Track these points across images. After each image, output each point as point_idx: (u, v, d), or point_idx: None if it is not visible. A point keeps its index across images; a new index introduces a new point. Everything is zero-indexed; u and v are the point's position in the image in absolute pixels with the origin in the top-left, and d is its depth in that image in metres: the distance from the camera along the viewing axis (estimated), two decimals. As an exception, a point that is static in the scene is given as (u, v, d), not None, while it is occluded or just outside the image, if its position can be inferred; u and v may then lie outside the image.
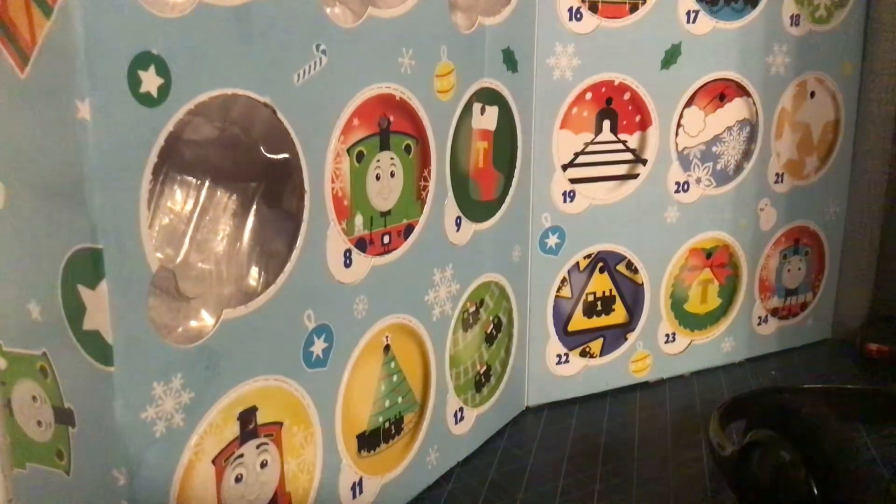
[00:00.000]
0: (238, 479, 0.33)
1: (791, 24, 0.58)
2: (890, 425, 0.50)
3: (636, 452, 0.49)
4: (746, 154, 0.59)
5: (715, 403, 0.48)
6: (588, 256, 0.55)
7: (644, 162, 0.55)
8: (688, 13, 0.54)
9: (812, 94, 0.61)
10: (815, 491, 0.35)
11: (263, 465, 0.35)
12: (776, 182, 0.61)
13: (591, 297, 0.56)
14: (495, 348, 0.51)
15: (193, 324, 0.32)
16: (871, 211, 0.65)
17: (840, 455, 0.35)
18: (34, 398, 0.31)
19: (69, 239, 0.27)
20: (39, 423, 0.32)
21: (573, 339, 0.56)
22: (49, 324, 0.29)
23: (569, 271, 0.55)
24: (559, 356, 0.56)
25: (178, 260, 0.33)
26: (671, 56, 0.54)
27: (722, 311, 0.62)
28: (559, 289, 0.55)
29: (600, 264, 0.56)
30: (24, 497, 0.34)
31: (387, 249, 0.40)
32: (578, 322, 0.56)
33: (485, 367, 0.50)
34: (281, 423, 0.35)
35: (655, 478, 0.46)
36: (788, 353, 0.65)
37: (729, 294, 0.62)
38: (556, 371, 0.56)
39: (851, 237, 0.66)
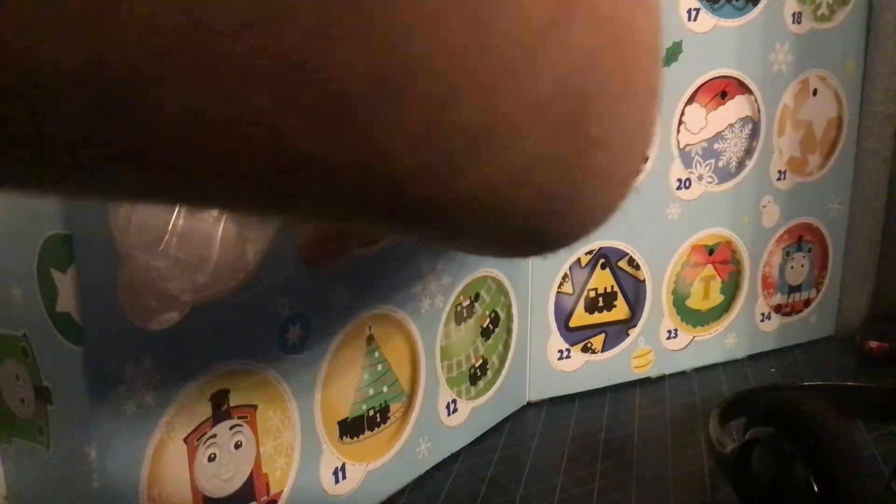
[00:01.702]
0: (211, 459, 0.34)
1: (793, 22, 0.58)
2: (889, 423, 0.51)
3: (636, 449, 0.49)
4: (748, 151, 0.59)
5: (715, 400, 0.48)
6: (589, 252, 0.55)
7: (646, 159, 0.55)
8: (689, 11, 0.54)
9: (815, 92, 0.61)
10: (816, 488, 0.35)
11: (238, 445, 0.35)
12: (779, 179, 0.61)
13: (592, 293, 0.57)
14: (492, 342, 0.51)
15: (166, 309, 0.33)
16: (874, 208, 0.65)
17: (840, 452, 0.35)
18: (17, 377, 0.33)
19: (44, 224, 0.29)
20: (22, 400, 0.33)
21: (575, 335, 0.56)
22: (28, 306, 0.30)
23: (570, 267, 0.55)
24: (561, 351, 0.56)
25: (160, 249, 0.34)
26: (672, 54, 0.54)
27: (724, 307, 0.62)
28: (560, 285, 0.55)
29: (602, 260, 0.56)
30: (12, 471, 0.35)
31: (369, 241, 0.40)
32: (580, 318, 0.57)
33: (480, 361, 0.50)
34: (255, 406, 0.36)
35: (655, 475, 0.46)
36: (790, 350, 0.65)
37: (731, 290, 0.62)
38: (557, 366, 0.56)
39: (854, 234, 0.66)
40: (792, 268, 0.65)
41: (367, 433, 0.43)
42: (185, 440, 0.33)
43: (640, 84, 0.15)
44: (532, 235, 0.17)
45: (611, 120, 0.15)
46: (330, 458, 0.40)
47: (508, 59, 0.12)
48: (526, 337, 0.54)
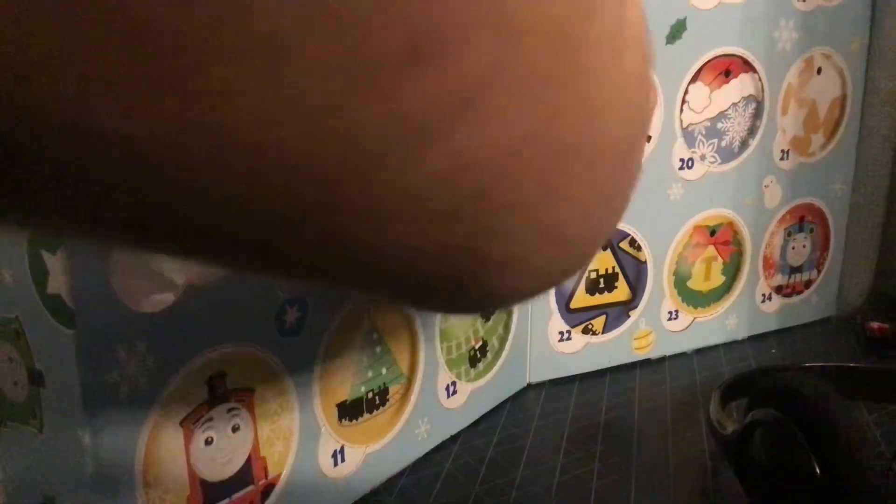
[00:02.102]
0: (208, 442, 0.34)
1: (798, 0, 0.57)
2: (890, 404, 0.50)
3: (636, 431, 0.49)
4: (752, 131, 0.59)
5: (716, 381, 0.48)
6: (590, 234, 0.55)
7: (648, 138, 0.54)
8: (694, -13, 0.53)
9: (819, 71, 0.60)
10: (817, 469, 0.35)
11: (235, 429, 0.35)
12: (782, 159, 0.60)
13: (593, 275, 0.56)
14: (492, 324, 0.51)
15: (160, 291, 0.32)
16: (877, 188, 0.64)
17: (842, 434, 0.35)
18: (10, 359, 0.32)
19: None
20: (16, 383, 0.33)
21: (576, 317, 0.56)
22: (19, 288, 0.30)
23: (571, 249, 0.54)
24: (561, 333, 0.56)
25: None
26: (676, 31, 0.53)
27: (725, 288, 0.62)
28: (561, 266, 0.54)
29: (603, 242, 0.56)
30: (5, 454, 0.35)
31: None
32: (581, 299, 0.56)
33: (480, 343, 0.50)
34: (253, 390, 0.36)
35: (655, 457, 0.46)
36: (791, 331, 0.65)
37: (733, 271, 0.62)
38: (558, 348, 0.56)
39: (856, 214, 0.65)
40: (793, 248, 0.64)
41: (366, 415, 0.42)
42: (181, 424, 0.33)
43: (578, 191, 0.13)
44: (434, 301, 0.15)
45: (520, 229, 0.13)
46: (329, 440, 0.40)
47: (383, 155, 0.11)
48: (526, 319, 0.54)
